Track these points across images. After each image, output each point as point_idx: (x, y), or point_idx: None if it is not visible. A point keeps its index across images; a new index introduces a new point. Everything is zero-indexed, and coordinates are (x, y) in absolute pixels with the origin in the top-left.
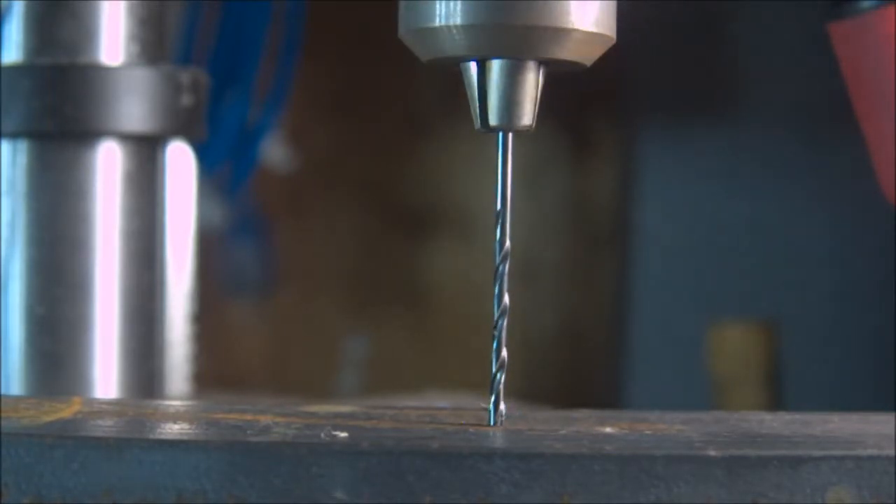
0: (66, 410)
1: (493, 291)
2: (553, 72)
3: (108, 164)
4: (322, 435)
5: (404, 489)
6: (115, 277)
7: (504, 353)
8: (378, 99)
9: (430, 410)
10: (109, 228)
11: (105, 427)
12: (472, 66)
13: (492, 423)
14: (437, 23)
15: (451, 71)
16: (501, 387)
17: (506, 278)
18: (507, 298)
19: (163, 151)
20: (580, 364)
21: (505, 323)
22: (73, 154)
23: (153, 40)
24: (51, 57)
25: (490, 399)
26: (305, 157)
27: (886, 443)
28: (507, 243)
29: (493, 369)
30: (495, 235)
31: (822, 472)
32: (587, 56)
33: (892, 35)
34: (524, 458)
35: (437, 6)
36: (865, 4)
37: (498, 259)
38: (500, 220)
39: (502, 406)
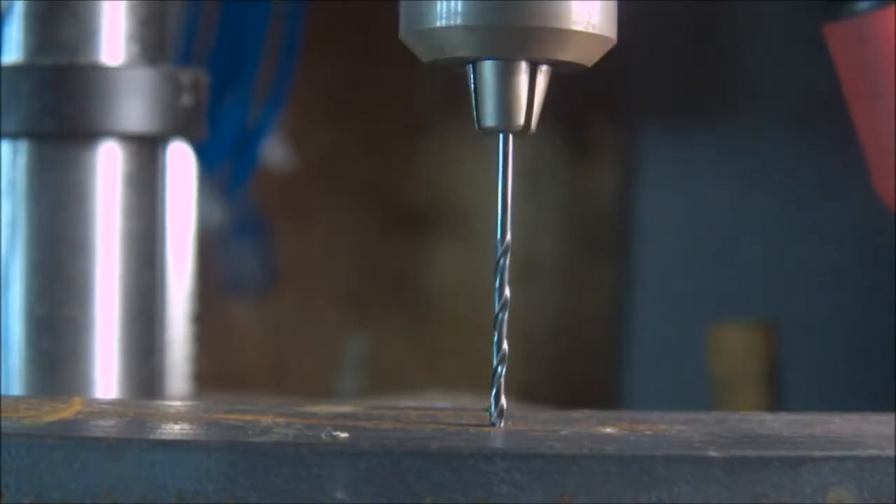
0: (67, 411)
1: (494, 290)
2: (554, 72)
3: (108, 164)
4: (322, 435)
5: (405, 489)
6: (116, 278)
7: (505, 346)
8: (378, 99)
9: (431, 411)
10: (110, 228)
11: (105, 427)
12: (474, 68)
13: (493, 413)
14: (437, 24)
15: (451, 71)
16: (503, 380)
17: (507, 272)
18: (507, 291)
19: (163, 151)
20: (580, 364)
21: (506, 316)
22: (74, 154)
23: (153, 40)
24: (51, 57)
25: (490, 393)
26: (305, 157)
27: (887, 443)
28: (509, 236)
29: (495, 362)
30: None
31: (823, 472)
32: (588, 57)
33: (887, 36)
34: (525, 459)
35: (438, 7)
36: (861, 6)
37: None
38: (500, 222)
39: (503, 401)
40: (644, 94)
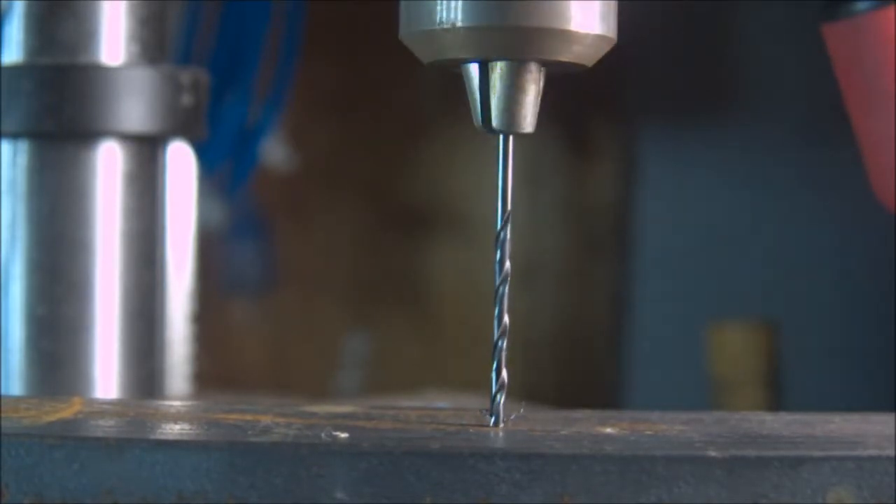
0: (67, 410)
1: (494, 291)
2: (553, 73)
3: (108, 164)
4: (322, 435)
5: (405, 489)
6: (116, 277)
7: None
8: (378, 99)
9: (431, 411)
10: (110, 228)
11: (105, 427)
12: (473, 68)
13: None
14: (437, 25)
15: (451, 72)
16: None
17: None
18: (508, 265)
19: (163, 151)
20: (580, 364)
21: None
22: (74, 154)
23: (153, 40)
24: (51, 57)
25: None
26: (305, 157)
27: (887, 443)
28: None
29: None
30: (496, 237)
31: (823, 472)
32: (588, 57)
33: (885, 37)
34: (525, 459)
35: (438, 8)
36: (860, 6)
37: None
38: (501, 224)
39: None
40: (644, 94)
